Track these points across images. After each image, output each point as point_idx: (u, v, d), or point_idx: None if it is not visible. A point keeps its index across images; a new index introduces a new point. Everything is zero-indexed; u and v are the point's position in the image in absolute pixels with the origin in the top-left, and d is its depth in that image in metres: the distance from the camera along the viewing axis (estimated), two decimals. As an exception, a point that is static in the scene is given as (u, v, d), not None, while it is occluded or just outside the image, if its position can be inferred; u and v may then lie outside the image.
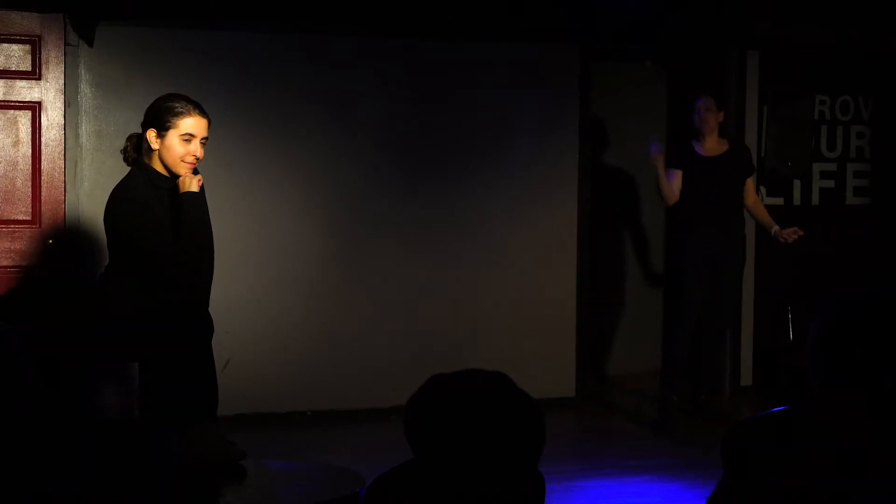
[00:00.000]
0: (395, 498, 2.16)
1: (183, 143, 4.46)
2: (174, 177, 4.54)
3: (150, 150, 4.52)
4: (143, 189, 4.50)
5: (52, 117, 6.39)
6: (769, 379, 7.77)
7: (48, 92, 6.38)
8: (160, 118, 4.47)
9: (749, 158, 6.98)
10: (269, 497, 4.11)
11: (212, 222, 4.80)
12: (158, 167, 4.54)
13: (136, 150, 4.60)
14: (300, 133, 6.97)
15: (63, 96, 6.40)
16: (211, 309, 4.93)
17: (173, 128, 4.45)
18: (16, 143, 6.34)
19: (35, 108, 6.36)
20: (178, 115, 4.45)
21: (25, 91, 6.35)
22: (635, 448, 6.54)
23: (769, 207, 7.88)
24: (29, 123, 6.36)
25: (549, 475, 2.14)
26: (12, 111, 6.34)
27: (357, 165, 7.07)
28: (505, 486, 2.07)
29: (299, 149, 6.97)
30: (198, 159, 4.53)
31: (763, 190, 7.91)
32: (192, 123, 4.47)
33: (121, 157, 4.72)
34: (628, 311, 8.67)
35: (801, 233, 6.80)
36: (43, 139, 6.37)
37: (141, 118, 4.66)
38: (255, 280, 6.88)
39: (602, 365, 8.52)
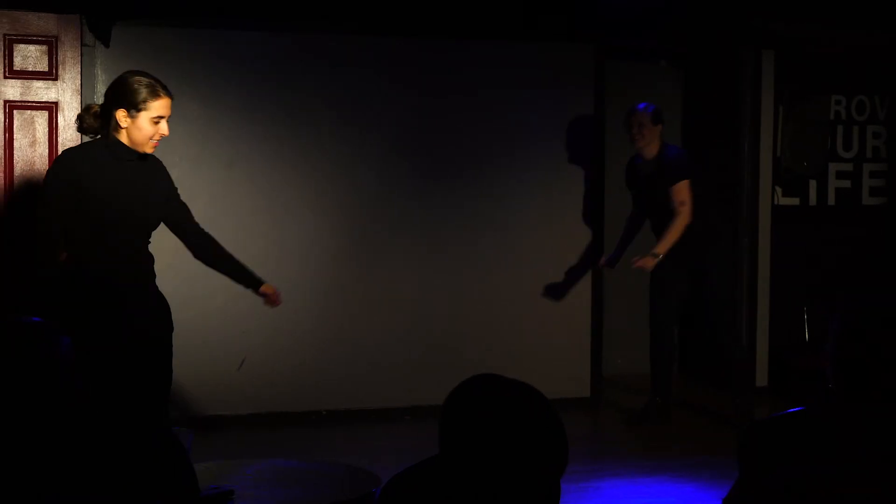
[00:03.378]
0: (409, 498, 2.16)
1: (153, 124, 4.48)
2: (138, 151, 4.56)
3: (118, 126, 4.49)
4: (103, 154, 4.50)
5: (69, 117, 6.41)
6: (784, 379, 7.75)
7: (65, 92, 6.41)
8: (131, 99, 4.45)
9: (667, 164, 6.74)
10: (283, 497, 4.11)
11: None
12: (125, 141, 4.51)
13: (96, 121, 4.56)
14: (315, 133, 6.98)
15: (80, 96, 6.43)
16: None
17: (145, 110, 4.45)
18: (33, 143, 6.37)
19: (52, 109, 6.39)
20: (151, 97, 4.46)
21: (42, 91, 6.38)
22: (650, 448, 6.54)
23: (786, 208, 7.87)
24: (46, 123, 6.39)
25: (564, 475, 2.14)
26: (29, 111, 6.37)
27: (372, 166, 7.08)
28: (521, 493, 2.07)
29: (314, 149, 6.98)
30: (163, 137, 4.57)
31: (779, 190, 7.90)
32: (162, 105, 4.48)
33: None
34: (643, 312, 8.63)
35: (641, 266, 6.60)
36: (60, 139, 6.40)
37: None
38: (270, 280, 6.87)
39: (616, 365, 8.50)
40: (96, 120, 4.55)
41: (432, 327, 7.21)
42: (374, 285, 7.11)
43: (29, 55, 6.37)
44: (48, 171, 4.61)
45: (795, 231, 7.92)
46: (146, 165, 4.61)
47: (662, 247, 6.59)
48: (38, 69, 6.38)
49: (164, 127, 4.51)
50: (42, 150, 6.38)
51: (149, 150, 4.53)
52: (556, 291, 7.40)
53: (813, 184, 8.03)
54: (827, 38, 7.75)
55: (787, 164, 7.86)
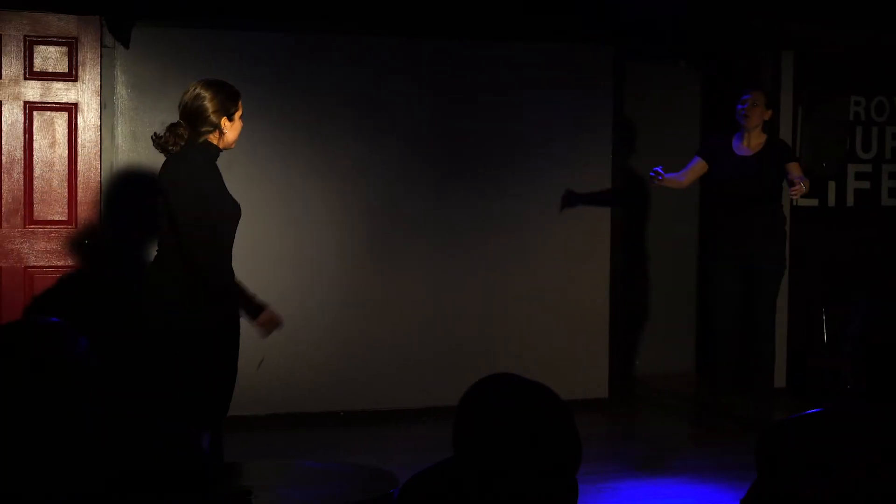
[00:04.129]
0: (427, 498, 2.16)
1: (240, 120, 4.81)
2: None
3: (210, 132, 4.71)
4: (203, 160, 4.74)
5: (89, 118, 6.44)
6: (803, 380, 7.73)
7: (84, 93, 6.43)
8: (229, 108, 4.73)
9: (786, 151, 6.74)
10: (300, 497, 4.13)
11: (243, 222, 4.90)
12: (216, 142, 4.76)
13: (181, 138, 4.73)
14: (334, 134, 6.99)
15: (99, 97, 6.45)
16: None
17: (237, 110, 4.76)
18: (52, 144, 6.40)
19: (71, 110, 6.42)
20: (238, 96, 4.78)
21: (62, 92, 6.40)
22: (667, 450, 6.52)
23: (804, 209, 7.84)
24: (65, 125, 6.42)
25: (581, 476, 2.14)
26: (49, 112, 6.40)
27: (390, 166, 7.09)
28: (538, 493, 2.07)
29: (333, 149, 7.00)
30: None
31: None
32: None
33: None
34: (661, 312, 8.64)
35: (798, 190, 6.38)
36: (79, 140, 6.43)
37: (176, 119, 4.74)
38: (288, 281, 6.91)
39: (634, 366, 8.50)
40: (181, 137, 4.72)
41: (449, 328, 7.21)
42: (390, 286, 7.12)
43: (49, 56, 6.39)
44: (190, 187, 4.69)
45: (814, 232, 7.89)
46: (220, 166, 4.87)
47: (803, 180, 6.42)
48: (57, 70, 6.41)
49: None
50: (61, 151, 6.41)
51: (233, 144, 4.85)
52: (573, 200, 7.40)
53: (832, 185, 8.00)
54: (846, 39, 7.73)
55: (806, 165, 7.82)
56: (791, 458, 2.44)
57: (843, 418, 2.47)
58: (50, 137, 6.40)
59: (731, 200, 6.70)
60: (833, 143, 7.97)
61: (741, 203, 6.65)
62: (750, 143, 6.68)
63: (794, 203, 7.81)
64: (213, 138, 4.73)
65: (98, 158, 6.45)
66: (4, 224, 6.34)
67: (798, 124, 7.88)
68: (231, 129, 4.74)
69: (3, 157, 6.33)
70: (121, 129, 6.59)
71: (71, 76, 6.42)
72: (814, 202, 7.91)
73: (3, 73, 6.32)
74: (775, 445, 2.49)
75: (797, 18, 7.61)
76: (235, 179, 6.75)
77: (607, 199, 7.46)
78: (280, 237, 6.91)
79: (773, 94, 7.80)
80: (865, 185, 8.08)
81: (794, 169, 6.55)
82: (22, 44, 6.34)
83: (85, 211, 6.44)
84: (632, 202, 8.17)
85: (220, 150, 4.78)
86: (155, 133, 4.76)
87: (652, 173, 6.52)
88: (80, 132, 6.43)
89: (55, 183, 6.40)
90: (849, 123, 8.02)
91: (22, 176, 6.36)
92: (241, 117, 4.78)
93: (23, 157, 6.36)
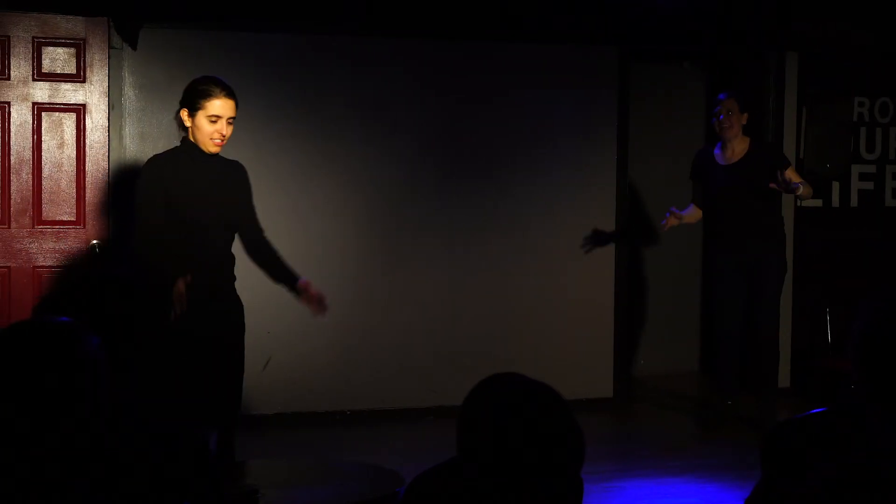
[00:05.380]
0: (433, 497, 2.18)
1: (210, 123, 4.69)
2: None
3: (186, 127, 4.75)
4: (184, 158, 4.74)
5: (97, 119, 6.47)
6: (807, 381, 7.74)
7: (92, 94, 6.46)
8: (191, 100, 4.71)
9: (773, 155, 6.69)
10: (307, 496, 4.15)
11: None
12: (195, 141, 4.76)
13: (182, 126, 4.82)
14: (340, 134, 7.01)
15: (107, 99, 6.48)
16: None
17: (201, 109, 4.69)
18: (61, 145, 6.43)
19: (80, 111, 6.45)
20: (206, 97, 4.69)
21: (70, 94, 6.43)
22: (673, 449, 6.54)
23: (808, 209, 7.85)
24: (74, 126, 6.44)
25: (587, 475, 2.16)
26: (57, 113, 6.43)
27: (396, 167, 7.11)
28: (542, 492, 2.09)
29: (339, 150, 7.02)
30: (224, 137, 4.75)
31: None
32: (218, 105, 4.70)
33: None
34: (666, 312, 8.66)
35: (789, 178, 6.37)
36: (87, 141, 6.45)
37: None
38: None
39: (639, 366, 8.51)
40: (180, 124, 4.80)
41: (455, 328, 7.23)
42: (397, 286, 7.14)
43: (57, 57, 6.42)
44: (137, 180, 4.78)
45: (818, 232, 7.91)
46: (222, 167, 4.83)
47: (803, 184, 6.42)
48: (66, 71, 6.43)
49: (221, 126, 4.71)
50: (70, 151, 6.44)
51: (213, 150, 4.74)
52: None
53: (836, 185, 8.01)
54: (851, 39, 7.74)
55: (810, 166, 7.84)
56: (796, 458, 2.45)
57: (848, 418, 2.48)
58: (58, 138, 6.43)
59: (725, 210, 6.70)
60: (837, 144, 7.98)
61: (736, 211, 6.64)
62: (733, 150, 6.64)
63: (799, 204, 7.82)
64: (191, 135, 4.74)
65: (106, 159, 6.48)
66: (13, 224, 6.38)
67: (802, 125, 7.89)
68: (194, 127, 4.69)
69: (11, 158, 6.37)
70: (129, 130, 6.62)
71: (79, 77, 6.44)
72: (818, 203, 7.92)
73: (12, 74, 6.35)
74: (780, 445, 2.50)
75: (801, 19, 7.63)
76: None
77: (611, 200, 7.48)
78: (287, 237, 6.91)
79: (777, 94, 7.81)
80: (869, 185, 8.08)
81: (791, 176, 6.46)
82: (30, 45, 6.37)
83: (93, 211, 6.47)
84: (636, 202, 8.19)
85: (202, 150, 4.73)
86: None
87: (666, 218, 6.68)
88: (88, 133, 6.46)
89: (63, 183, 6.43)
90: (852, 124, 8.03)
91: (30, 176, 6.39)
92: (209, 118, 4.66)
93: (31, 157, 6.39)
